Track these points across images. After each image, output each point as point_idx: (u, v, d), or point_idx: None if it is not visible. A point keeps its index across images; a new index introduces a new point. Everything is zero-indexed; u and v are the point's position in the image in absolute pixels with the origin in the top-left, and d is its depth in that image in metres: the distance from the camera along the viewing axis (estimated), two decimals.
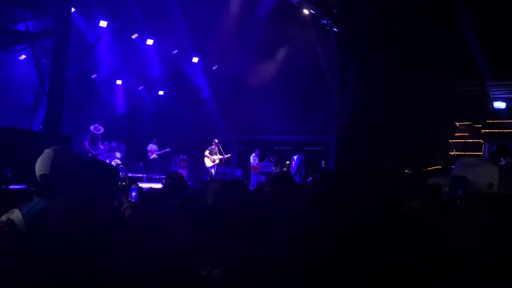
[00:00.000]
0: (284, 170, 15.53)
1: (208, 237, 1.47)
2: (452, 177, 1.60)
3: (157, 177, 14.89)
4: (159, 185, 8.47)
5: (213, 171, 14.52)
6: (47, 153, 2.50)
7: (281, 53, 16.04)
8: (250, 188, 7.17)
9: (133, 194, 2.52)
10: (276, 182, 3.54)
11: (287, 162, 15.55)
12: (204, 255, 1.32)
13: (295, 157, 15.08)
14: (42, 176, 2.60)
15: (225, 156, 14.59)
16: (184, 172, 14.67)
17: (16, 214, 2.43)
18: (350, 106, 15.23)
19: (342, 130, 15.54)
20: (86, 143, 12.64)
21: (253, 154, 15.42)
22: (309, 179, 14.26)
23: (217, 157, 14.53)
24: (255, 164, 15.41)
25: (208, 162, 14.53)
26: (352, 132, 15.02)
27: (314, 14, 14.55)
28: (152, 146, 15.57)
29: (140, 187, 2.91)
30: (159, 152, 15.54)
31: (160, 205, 2.71)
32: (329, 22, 15.16)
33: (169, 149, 15.42)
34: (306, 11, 14.33)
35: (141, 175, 15.28)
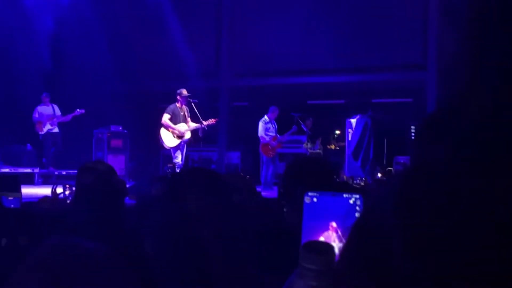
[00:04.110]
0: (331, 149, 9.55)
1: None
2: None
3: (63, 173, 8.98)
4: (60, 190, 4.91)
5: (180, 157, 8.20)
6: None
7: None
8: (262, 193, 4.03)
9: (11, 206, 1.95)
10: (292, 174, 1.92)
11: (337, 132, 9.68)
12: None
13: (353, 121, 9.05)
14: None
15: (205, 123, 8.23)
16: (119, 161, 9.27)
17: None
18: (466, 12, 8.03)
19: (449, 61, 8.26)
20: None
21: (265, 118, 8.79)
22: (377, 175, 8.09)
23: (186, 127, 8.16)
24: (269, 138, 8.76)
25: (168, 139, 8.20)
26: (473, 68, 7.89)
27: None
28: (44, 109, 9.06)
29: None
30: (63, 119, 9.30)
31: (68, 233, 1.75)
32: None
33: (84, 111, 9.23)
34: None
35: (29, 169, 8.75)
